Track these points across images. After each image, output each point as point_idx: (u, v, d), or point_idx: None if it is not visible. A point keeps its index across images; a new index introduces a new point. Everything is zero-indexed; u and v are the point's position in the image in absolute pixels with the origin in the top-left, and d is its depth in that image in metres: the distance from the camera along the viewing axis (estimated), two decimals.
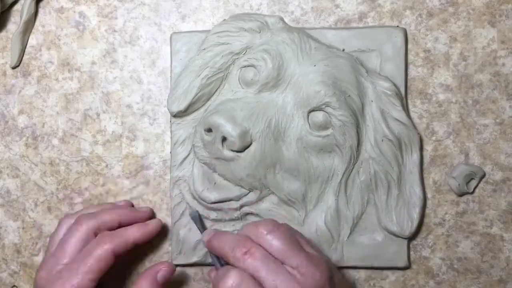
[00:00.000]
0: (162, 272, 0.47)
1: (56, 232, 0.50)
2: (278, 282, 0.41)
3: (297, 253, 0.43)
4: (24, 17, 0.54)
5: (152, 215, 0.53)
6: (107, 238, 0.47)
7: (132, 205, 0.54)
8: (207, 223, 0.52)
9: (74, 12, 0.55)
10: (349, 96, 0.49)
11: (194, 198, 0.51)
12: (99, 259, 0.46)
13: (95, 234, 0.49)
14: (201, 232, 0.50)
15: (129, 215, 0.51)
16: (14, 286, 0.55)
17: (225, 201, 0.50)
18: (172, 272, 0.48)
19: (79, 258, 0.47)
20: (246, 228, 0.46)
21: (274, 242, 0.43)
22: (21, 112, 0.55)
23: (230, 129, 0.46)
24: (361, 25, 0.53)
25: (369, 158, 0.50)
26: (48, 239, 0.55)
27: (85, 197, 0.55)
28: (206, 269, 0.54)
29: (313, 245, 0.47)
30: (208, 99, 0.52)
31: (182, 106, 0.51)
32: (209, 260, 0.51)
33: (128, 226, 0.50)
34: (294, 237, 0.45)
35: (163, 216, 0.54)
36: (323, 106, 0.48)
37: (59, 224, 0.51)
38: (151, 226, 0.51)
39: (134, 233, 0.49)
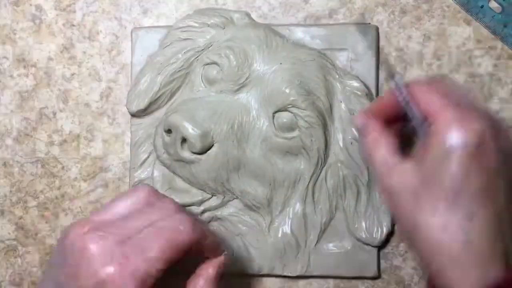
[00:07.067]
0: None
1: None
2: None
3: None
4: None
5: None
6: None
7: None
8: None
9: (31, 5, 0.53)
10: (316, 96, 0.47)
11: None
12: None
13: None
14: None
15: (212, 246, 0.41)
16: None
17: (186, 205, 0.48)
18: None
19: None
20: None
21: None
22: None
23: (190, 130, 0.44)
24: (331, 22, 0.51)
25: (337, 161, 0.48)
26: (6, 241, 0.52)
27: (40, 200, 0.52)
28: None
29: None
30: (170, 97, 0.50)
31: (142, 104, 0.50)
32: None
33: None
34: None
35: None
36: (289, 106, 0.46)
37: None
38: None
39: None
